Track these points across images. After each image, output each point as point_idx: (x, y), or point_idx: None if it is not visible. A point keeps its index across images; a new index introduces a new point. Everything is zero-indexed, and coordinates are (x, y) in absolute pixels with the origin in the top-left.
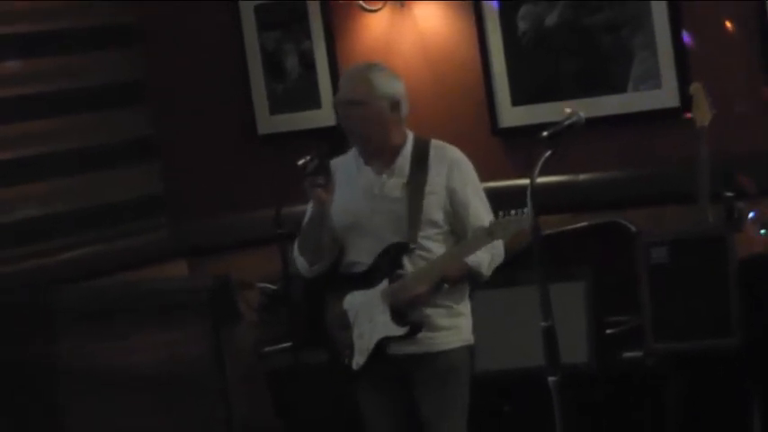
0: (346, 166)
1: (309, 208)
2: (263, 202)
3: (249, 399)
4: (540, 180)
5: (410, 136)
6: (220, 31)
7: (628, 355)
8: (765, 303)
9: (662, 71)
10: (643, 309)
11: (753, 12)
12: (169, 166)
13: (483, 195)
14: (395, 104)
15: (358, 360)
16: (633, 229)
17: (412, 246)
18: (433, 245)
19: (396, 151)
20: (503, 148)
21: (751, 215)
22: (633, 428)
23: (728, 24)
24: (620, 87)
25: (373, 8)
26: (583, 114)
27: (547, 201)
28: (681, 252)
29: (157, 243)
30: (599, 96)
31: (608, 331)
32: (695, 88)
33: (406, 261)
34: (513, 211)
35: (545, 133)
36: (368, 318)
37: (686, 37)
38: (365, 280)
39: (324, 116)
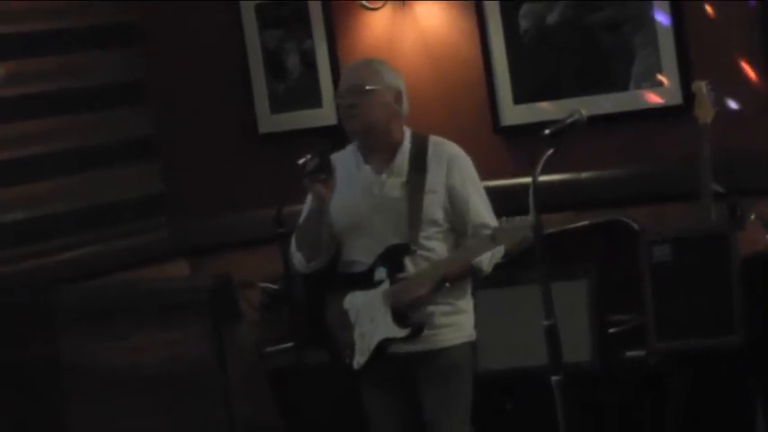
0: (345, 162)
1: (308, 203)
2: (263, 202)
3: (251, 399)
4: (542, 178)
5: (407, 133)
6: (221, 31)
7: (630, 353)
8: None
9: (663, 69)
10: (646, 307)
11: (754, 9)
12: (169, 165)
13: (482, 191)
14: (398, 97)
15: (359, 360)
16: (636, 227)
17: (413, 247)
18: (434, 244)
19: (395, 149)
20: (504, 147)
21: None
22: (636, 428)
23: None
24: (621, 85)
25: (374, 6)
26: (584, 112)
27: (549, 199)
28: (683, 250)
29: (158, 243)
30: (600, 94)
31: (610, 330)
32: (697, 86)
33: (407, 262)
34: (517, 217)
35: (547, 131)
36: (369, 318)
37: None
38: (365, 280)
39: (325, 115)
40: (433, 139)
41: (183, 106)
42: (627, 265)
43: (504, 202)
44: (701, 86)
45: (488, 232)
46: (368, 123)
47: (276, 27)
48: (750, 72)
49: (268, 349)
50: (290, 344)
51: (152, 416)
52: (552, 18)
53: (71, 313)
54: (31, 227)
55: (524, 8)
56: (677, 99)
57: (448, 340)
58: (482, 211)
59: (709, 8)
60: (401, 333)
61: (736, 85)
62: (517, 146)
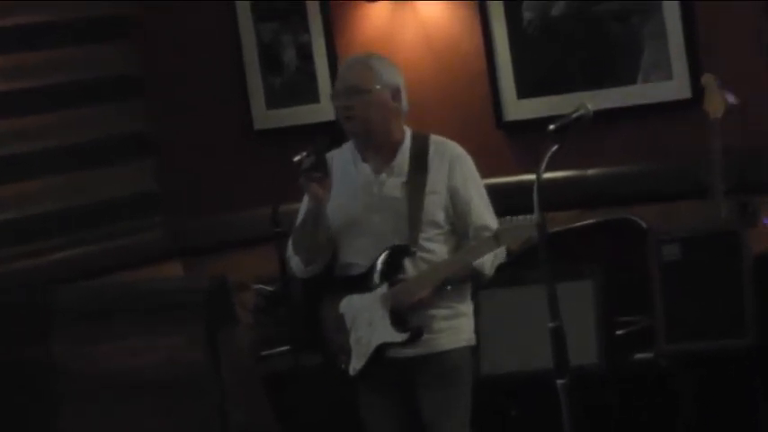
0: (342, 161)
1: (304, 205)
2: (259, 200)
3: (247, 402)
4: (547, 175)
5: (408, 132)
6: (215, 24)
7: (639, 356)
8: None
9: (673, 62)
10: (654, 308)
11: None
12: (163, 163)
13: (484, 192)
14: (396, 94)
15: (355, 365)
16: (644, 225)
17: (413, 248)
18: (435, 246)
19: (395, 148)
20: (508, 143)
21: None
22: None
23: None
24: (629, 79)
25: None
26: (590, 107)
27: (554, 197)
28: (693, 249)
29: (152, 242)
30: (607, 88)
31: (618, 332)
32: (707, 79)
33: (407, 264)
34: (520, 216)
35: (552, 127)
36: (366, 322)
37: None
38: (363, 283)
39: (322, 111)
40: (435, 139)
41: (177, 102)
42: (635, 265)
43: (507, 200)
44: (712, 80)
45: (490, 234)
46: (366, 124)
47: (272, 20)
48: (763, 64)
49: (264, 353)
50: (286, 347)
51: (148, 418)
52: (557, 8)
53: (65, 314)
54: (21, 226)
55: None
56: (686, 93)
57: (447, 344)
58: (484, 213)
59: None
60: (400, 337)
61: (748, 77)
62: (521, 142)
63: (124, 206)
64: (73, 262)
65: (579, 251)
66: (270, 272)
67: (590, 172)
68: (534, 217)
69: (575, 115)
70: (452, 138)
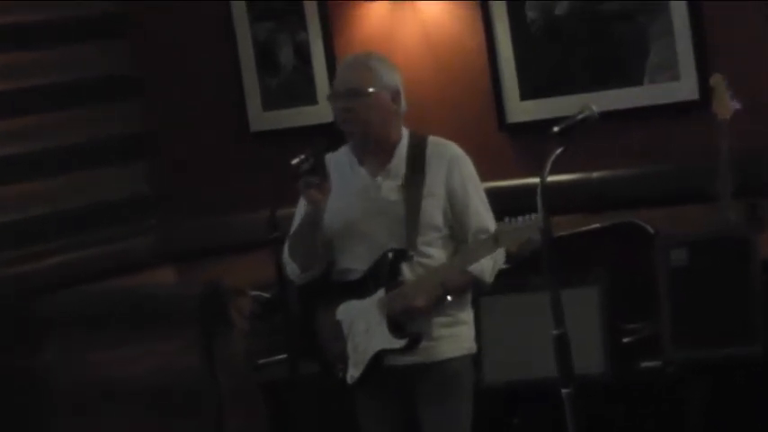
0: (339, 164)
1: (300, 209)
2: (256, 204)
3: (243, 411)
4: (551, 178)
5: (405, 133)
6: (211, 22)
7: (645, 364)
8: None
9: (680, 62)
10: (661, 315)
11: None
12: (158, 164)
13: (483, 195)
14: (396, 96)
15: (353, 373)
16: (650, 229)
17: (411, 253)
18: (433, 250)
19: (392, 150)
20: (510, 145)
21: None
22: None
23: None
24: (635, 79)
25: None
26: (596, 108)
27: (558, 200)
28: (701, 254)
29: (146, 247)
30: (613, 89)
31: (624, 339)
32: (716, 80)
33: (404, 268)
34: (520, 217)
35: (556, 128)
36: (364, 329)
37: None
38: (360, 288)
39: (320, 112)
40: (432, 140)
41: (172, 102)
42: (641, 271)
43: (509, 204)
44: (721, 80)
45: (490, 233)
46: (366, 126)
47: (268, 19)
48: None
49: (261, 361)
50: (283, 355)
51: (141, 428)
52: (561, 8)
53: (58, 321)
54: (12, 230)
55: None
56: (694, 94)
57: (448, 352)
58: (483, 216)
59: None
60: (397, 344)
61: (758, 78)
62: (524, 144)
63: (119, 209)
64: (66, 266)
65: (584, 256)
66: (266, 277)
67: (595, 175)
68: (533, 217)
69: (579, 117)
70: (453, 140)
